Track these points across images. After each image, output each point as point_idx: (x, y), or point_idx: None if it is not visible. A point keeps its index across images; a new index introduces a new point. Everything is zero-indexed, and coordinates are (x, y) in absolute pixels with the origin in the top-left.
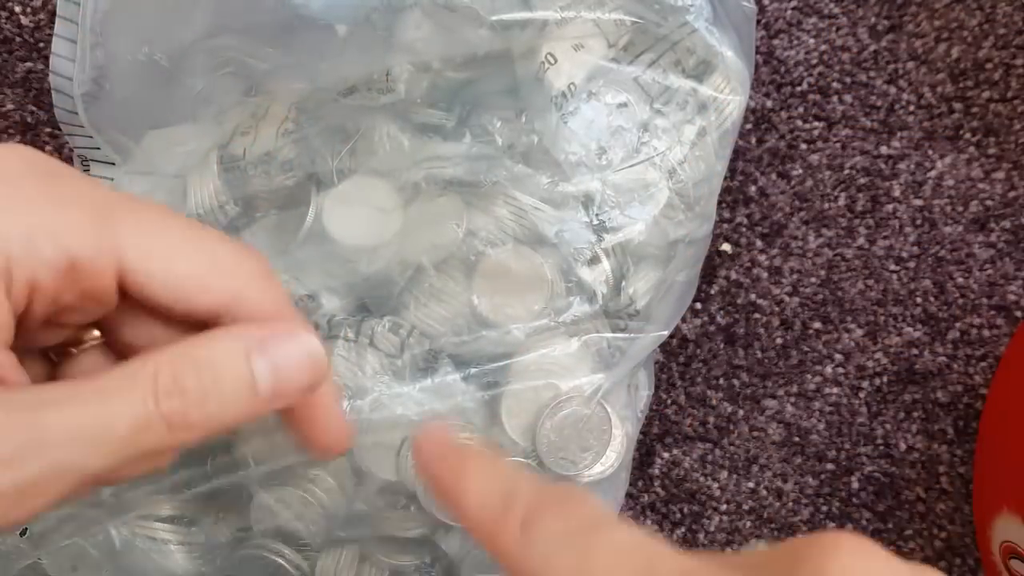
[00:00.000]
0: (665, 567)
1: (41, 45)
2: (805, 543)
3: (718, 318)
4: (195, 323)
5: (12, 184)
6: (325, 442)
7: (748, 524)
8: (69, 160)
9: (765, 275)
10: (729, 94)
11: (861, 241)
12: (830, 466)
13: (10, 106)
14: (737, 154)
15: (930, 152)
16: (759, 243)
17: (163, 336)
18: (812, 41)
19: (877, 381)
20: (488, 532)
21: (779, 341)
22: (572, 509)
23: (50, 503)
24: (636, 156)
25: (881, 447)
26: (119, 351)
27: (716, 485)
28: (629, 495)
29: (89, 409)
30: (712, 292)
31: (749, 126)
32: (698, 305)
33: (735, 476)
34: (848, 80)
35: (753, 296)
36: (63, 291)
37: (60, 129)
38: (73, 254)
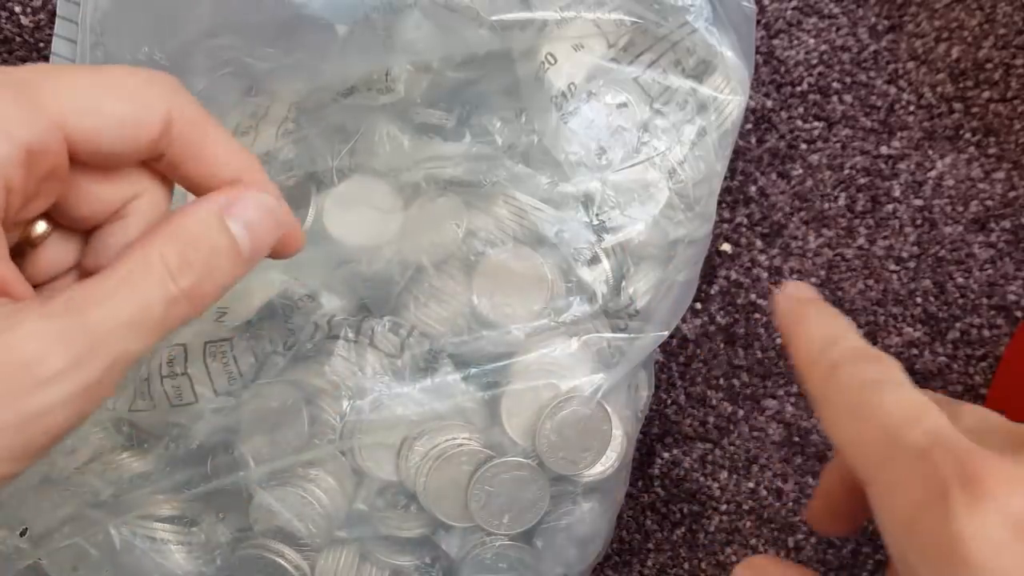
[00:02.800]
0: (926, 423)
1: (41, 45)
2: None
3: (718, 318)
4: (141, 167)
5: None
6: (292, 245)
7: (748, 524)
8: None
9: (765, 275)
10: (729, 94)
11: (861, 241)
12: None
13: None
14: (737, 154)
15: (930, 152)
16: (759, 243)
17: (113, 196)
18: (812, 41)
19: None
20: (804, 369)
21: (779, 341)
22: (870, 367)
23: (110, 392)
24: (636, 156)
25: None
26: (73, 231)
27: (716, 485)
28: (629, 495)
29: (125, 300)
30: (712, 292)
31: (749, 126)
32: (698, 305)
33: (735, 476)
34: (848, 80)
35: (753, 296)
36: (29, 182)
37: None
38: (26, 142)
